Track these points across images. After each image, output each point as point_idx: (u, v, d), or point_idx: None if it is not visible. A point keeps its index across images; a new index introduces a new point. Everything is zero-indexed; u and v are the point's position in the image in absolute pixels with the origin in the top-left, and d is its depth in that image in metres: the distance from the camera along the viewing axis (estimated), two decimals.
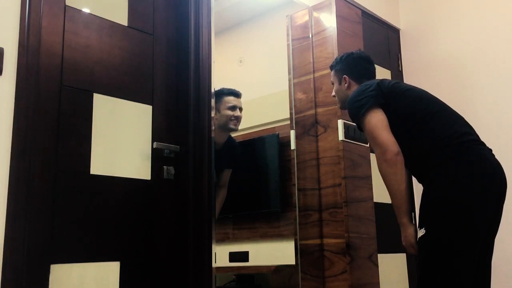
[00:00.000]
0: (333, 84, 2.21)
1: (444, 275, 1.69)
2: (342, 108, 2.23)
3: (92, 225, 1.86)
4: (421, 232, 1.75)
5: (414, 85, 2.06)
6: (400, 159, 1.80)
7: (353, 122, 1.99)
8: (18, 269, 1.61)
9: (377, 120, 1.85)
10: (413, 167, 1.88)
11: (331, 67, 2.23)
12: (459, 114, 1.92)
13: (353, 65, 2.14)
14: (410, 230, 1.81)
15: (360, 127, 1.93)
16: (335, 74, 2.18)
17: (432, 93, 1.98)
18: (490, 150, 1.86)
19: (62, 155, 1.81)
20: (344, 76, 2.13)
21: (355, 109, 1.92)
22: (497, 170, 1.80)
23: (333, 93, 2.22)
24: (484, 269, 1.80)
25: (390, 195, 1.83)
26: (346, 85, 2.12)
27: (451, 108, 1.93)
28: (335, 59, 2.23)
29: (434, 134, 1.82)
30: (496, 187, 1.78)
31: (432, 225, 1.74)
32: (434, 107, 1.89)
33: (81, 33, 1.94)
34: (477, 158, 1.77)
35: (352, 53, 2.19)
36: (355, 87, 2.07)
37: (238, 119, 2.96)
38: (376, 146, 1.85)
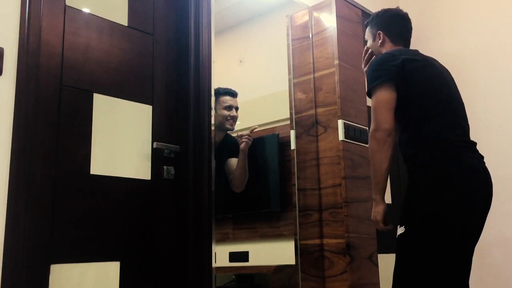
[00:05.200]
0: (366, 41, 2.17)
1: (419, 277, 1.71)
2: None
3: (92, 225, 1.86)
4: (400, 230, 1.77)
5: (441, 72, 1.99)
6: (390, 140, 1.82)
7: (367, 86, 1.97)
8: (18, 269, 1.61)
9: (384, 97, 1.85)
10: (404, 157, 1.90)
11: (367, 24, 2.18)
12: (465, 117, 1.92)
13: (390, 22, 2.10)
14: (380, 207, 1.88)
15: (369, 95, 1.93)
16: (370, 30, 2.14)
17: None
18: (482, 157, 1.87)
19: (62, 155, 1.81)
20: (379, 32, 2.09)
21: (371, 77, 1.91)
22: (486, 181, 1.82)
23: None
24: (464, 276, 1.81)
25: (371, 171, 1.89)
26: (380, 41, 2.08)
27: (461, 108, 1.92)
28: (372, 15, 2.18)
29: (431, 134, 1.83)
30: (482, 197, 1.80)
31: (412, 226, 1.76)
32: (444, 105, 1.87)
33: (81, 33, 1.94)
34: (468, 169, 1.78)
35: (390, 9, 2.16)
36: (389, 45, 2.06)
37: (234, 119, 2.96)
38: (373, 121, 1.86)
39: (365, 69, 2.13)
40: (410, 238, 1.75)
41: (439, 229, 1.72)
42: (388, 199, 2.17)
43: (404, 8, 3.53)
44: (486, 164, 1.87)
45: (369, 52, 2.12)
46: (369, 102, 2.79)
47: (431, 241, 1.72)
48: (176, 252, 2.08)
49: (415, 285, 1.72)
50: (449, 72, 2.02)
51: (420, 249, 1.74)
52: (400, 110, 1.85)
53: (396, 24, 2.10)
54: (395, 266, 1.80)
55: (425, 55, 2.01)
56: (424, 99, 1.87)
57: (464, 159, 1.79)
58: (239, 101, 3.05)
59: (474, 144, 1.88)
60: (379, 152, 1.82)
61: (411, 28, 2.13)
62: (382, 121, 1.82)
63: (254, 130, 2.90)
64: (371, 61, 2.02)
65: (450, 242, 1.73)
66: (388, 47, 2.05)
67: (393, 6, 3.50)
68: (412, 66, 1.90)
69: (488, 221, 1.84)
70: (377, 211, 1.88)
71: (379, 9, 2.65)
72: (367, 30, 2.17)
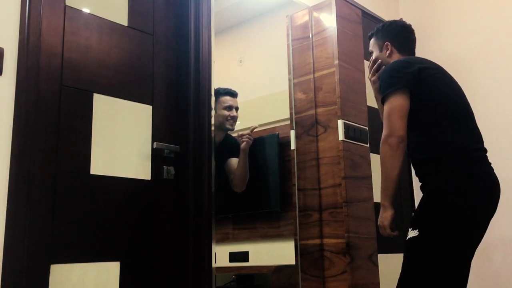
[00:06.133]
0: (371, 53, 2.19)
1: (424, 279, 1.73)
2: None
3: (92, 225, 1.86)
4: (412, 233, 1.77)
5: (452, 80, 2.02)
6: (403, 146, 1.83)
7: (381, 92, 1.97)
8: (18, 269, 1.61)
9: (398, 104, 1.85)
10: (416, 162, 1.90)
11: (371, 35, 2.20)
12: (476, 124, 1.94)
13: (396, 33, 2.13)
14: (388, 213, 1.87)
15: (383, 101, 1.93)
16: (376, 41, 2.16)
17: None
18: (491, 163, 1.89)
19: (62, 155, 1.81)
20: (387, 43, 2.11)
21: (385, 83, 1.92)
22: (495, 188, 1.84)
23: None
24: (464, 281, 1.85)
25: (381, 177, 1.88)
26: (388, 52, 2.10)
27: (472, 117, 1.95)
28: (376, 27, 2.20)
29: (446, 140, 1.84)
30: (491, 204, 1.83)
31: (426, 231, 1.76)
32: (458, 113, 1.90)
33: (81, 33, 1.94)
34: (482, 176, 1.82)
35: (395, 21, 2.19)
36: (396, 55, 2.08)
37: (234, 119, 2.97)
38: (385, 127, 1.87)
39: (372, 79, 2.14)
40: (422, 242, 1.76)
41: (447, 232, 1.74)
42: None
43: (404, 8, 3.55)
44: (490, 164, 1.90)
45: (378, 62, 2.13)
46: (369, 102, 2.80)
47: (439, 243, 1.74)
48: (176, 252, 2.08)
49: (419, 287, 1.73)
50: (457, 82, 2.03)
51: (426, 251, 1.75)
52: (414, 116, 1.86)
53: (402, 35, 2.14)
54: (402, 268, 1.80)
55: (436, 63, 2.03)
56: (439, 106, 1.89)
57: (478, 167, 1.83)
58: (239, 101, 3.04)
59: (486, 151, 1.90)
60: (391, 158, 1.83)
61: (415, 39, 2.17)
62: (395, 128, 1.83)
63: (254, 130, 2.90)
64: (385, 67, 2.02)
65: (456, 246, 1.75)
66: (396, 58, 2.08)
67: (393, 7, 3.51)
68: (427, 73, 1.92)
69: (490, 222, 1.86)
70: (385, 217, 1.87)
71: (379, 11, 2.65)
72: (372, 41, 2.19)
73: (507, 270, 2.89)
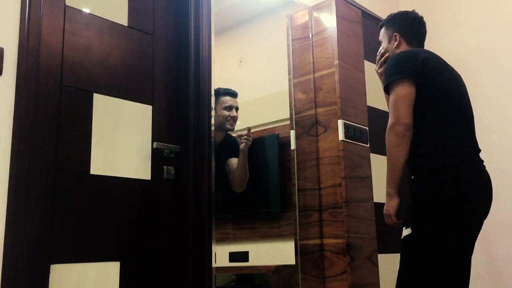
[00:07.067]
0: (380, 42, 2.18)
1: (424, 278, 1.73)
2: None
3: (92, 225, 1.86)
4: (406, 231, 1.77)
5: (456, 76, 2.02)
6: (409, 134, 1.82)
7: (385, 80, 1.97)
8: (18, 269, 1.61)
9: (405, 93, 1.84)
10: (409, 156, 1.90)
11: (382, 24, 2.19)
12: (473, 123, 1.94)
13: (406, 24, 2.12)
14: (394, 201, 1.86)
15: (387, 89, 1.92)
16: (386, 31, 2.15)
17: None
18: (483, 161, 1.89)
19: (62, 155, 1.81)
20: (395, 34, 2.10)
21: (390, 72, 1.90)
22: (489, 187, 1.85)
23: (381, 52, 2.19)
24: (462, 277, 1.85)
25: (387, 166, 1.87)
26: (396, 43, 2.09)
27: (472, 115, 1.94)
28: (388, 17, 2.19)
29: (443, 137, 1.84)
30: (485, 203, 1.84)
31: (420, 228, 1.77)
32: (458, 110, 1.90)
33: (81, 33, 1.94)
34: (475, 173, 1.82)
35: (406, 12, 2.17)
36: (404, 47, 2.07)
37: (234, 119, 2.98)
38: (392, 116, 1.85)
39: (379, 71, 2.14)
40: (416, 239, 1.75)
41: (441, 228, 1.74)
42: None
43: (404, 8, 3.54)
44: (490, 163, 1.91)
45: (386, 55, 2.12)
46: (369, 102, 2.80)
47: (433, 240, 1.74)
48: (176, 252, 2.08)
49: (420, 285, 1.73)
50: (461, 77, 2.02)
51: (421, 248, 1.75)
52: (415, 109, 1.85)
53: (412, 27, 2.12)
54: (399, 267, 1.80)
55: (443, 59, 2.02)
56: (440, 101, 1.88)
57: (472, 166, 1.83)
58: (239, 101, 3.05)
59: (479, 151, 1.91)
60: (398, 146, 1.82)
61: (425, 32, 2.15)
62: (402, 115, 1.82)
63: (251, 131, 2.91)
64: (391, 57, 2.02)
65: (451, 242, 1.75)
66: (403, 49, 2.07)
67: (393, 7, 3.51)
68: (432, 67, 1.91)
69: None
70: (391, 205, 1.87)
71: (380, 11, 2.64)
72: (383, 30, 2.17)
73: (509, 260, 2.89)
